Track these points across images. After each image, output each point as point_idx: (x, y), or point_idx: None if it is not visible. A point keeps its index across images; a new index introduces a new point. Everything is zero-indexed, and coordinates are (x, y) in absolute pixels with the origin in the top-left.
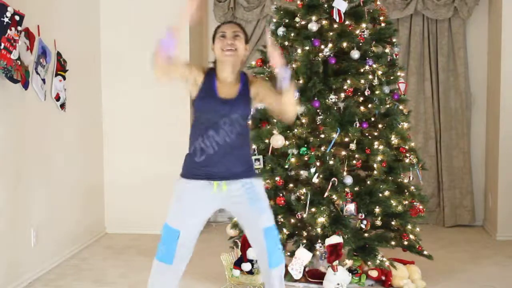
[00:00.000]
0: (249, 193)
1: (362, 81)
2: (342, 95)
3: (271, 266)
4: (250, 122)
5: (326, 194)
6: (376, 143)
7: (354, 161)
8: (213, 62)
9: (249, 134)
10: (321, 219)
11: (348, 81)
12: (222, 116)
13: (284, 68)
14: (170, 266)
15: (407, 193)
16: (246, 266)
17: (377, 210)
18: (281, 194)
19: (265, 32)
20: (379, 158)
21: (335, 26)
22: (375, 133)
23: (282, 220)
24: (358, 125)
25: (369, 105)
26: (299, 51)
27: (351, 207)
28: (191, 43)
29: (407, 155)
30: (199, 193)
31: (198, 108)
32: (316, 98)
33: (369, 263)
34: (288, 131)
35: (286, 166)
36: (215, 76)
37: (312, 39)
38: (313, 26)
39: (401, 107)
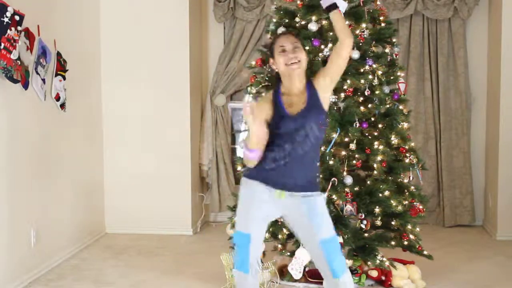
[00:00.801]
0: (309, 206)
1: (362, 81)
2: (342, 95)
3: (335, 276)
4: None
5: (326, 194)
6: (376, 143)
7: (354, 161)
8: (277, 77)
9: (320, 147)
10: None
11: (348, 81)
12: (297, 130)
13: None
14: (247, 274)
15: (407, 193)
16: None
17: (377, 210)
18: None
19: (264, 32)
20: (379, 158)
21: None
22: (375, 133)
23: (282, 220)
24: (358, 125)
25: (369, 105)
26: None
27: (351, 207)
28: (190, 44)
29: (407, 155)
30: (263, 197)
31: (273, 129)
32: None
33: (369, 263)
34: None
35: None
36: (280, 94)
37: (312, 39)
38: (313, 26)
39: (401, 107)
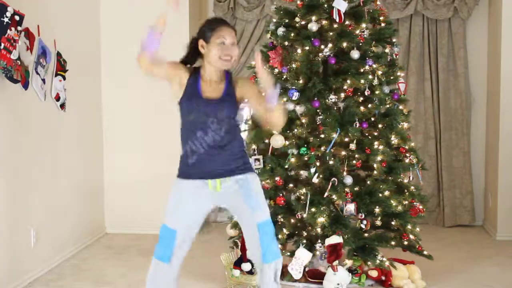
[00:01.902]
0: (244, 189)
1: (362, 81)
2: (342, 95)
3: (264, 261)
4: (240, 118)
5: (326, 194)
6: (376, 143)
7: (354, 161)
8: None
9: (239, 129)
10: (321, 219)
11: (348, 81)
12: (208, 116)
13: (273, 88)
14: (167, 265)
15: (407, 193)
16: (246, 266)
17: (377, 210)
18: (281, 194)
19: (264, 33)
20: (379, 158)
21: (335, 26)
22: (375, 133)
23: (282, 220)
24: (358, 125)
25: (369, 105)
26: (299, 51)
27: (351, 207)
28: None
29: (407, 155)
30: (195, 192)
31: (184, 110)
32: (316, 98)
33: (369, 263)
34: (288, 131)
35: (286, 166)
36: (200, 76)
37: (312, 39)
38: (313, 26)
39: (401, 107)
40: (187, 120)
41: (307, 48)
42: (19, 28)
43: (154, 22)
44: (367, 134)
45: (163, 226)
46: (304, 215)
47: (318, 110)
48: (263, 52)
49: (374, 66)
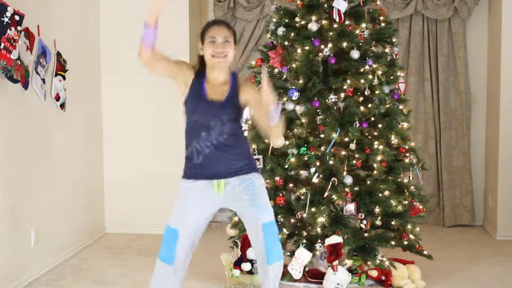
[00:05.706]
0: (249, 190)
1: (362, 81)
2: (342, 95)
3: (269, 262)
4: (243, 121)
5: (326, 194)
6: (376, 143)
7: (354, 161)
8: (200, 61)
9: (243, 132)
10: (321, 219)
11: (348, 81)
12: (212, 118)
13: (276, 106)
14: (170, 266)
15: (407, 193)
16: (246, 266)
17: (377, 210)
18: (281, 194)
19: (264, 32)
20: (379, 158)
21: (335, 26)
22: (375, 133)
23: (282, 220)
24: (358, 125)
25: (369, 105)
26: (299, 51)
27: (351, 207)
28: (190, 44)
29: (407, 155)
30: (200, 193)
31: (188, 110)
32: (316, 98)
33: (369, 263)
34: (288, 131)
35: (286, 166)
36: (205, 77)
37: (312, 39)
38: (313, 26)
39: (401, 107)
40: (191, 120)
41: (307, 48)
42: (19, 28)
43: (147, 14)
44: (367, 134)
45: (166, 227)
46: (304, 215)
47: (318, 110)
48: (263, 52)
49: (374, 66)
